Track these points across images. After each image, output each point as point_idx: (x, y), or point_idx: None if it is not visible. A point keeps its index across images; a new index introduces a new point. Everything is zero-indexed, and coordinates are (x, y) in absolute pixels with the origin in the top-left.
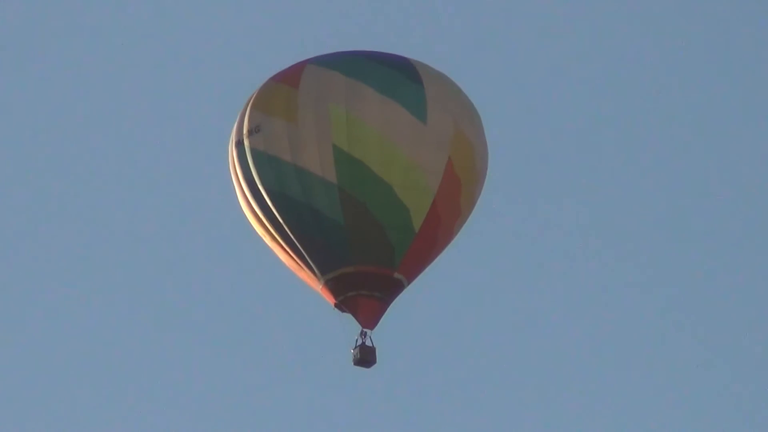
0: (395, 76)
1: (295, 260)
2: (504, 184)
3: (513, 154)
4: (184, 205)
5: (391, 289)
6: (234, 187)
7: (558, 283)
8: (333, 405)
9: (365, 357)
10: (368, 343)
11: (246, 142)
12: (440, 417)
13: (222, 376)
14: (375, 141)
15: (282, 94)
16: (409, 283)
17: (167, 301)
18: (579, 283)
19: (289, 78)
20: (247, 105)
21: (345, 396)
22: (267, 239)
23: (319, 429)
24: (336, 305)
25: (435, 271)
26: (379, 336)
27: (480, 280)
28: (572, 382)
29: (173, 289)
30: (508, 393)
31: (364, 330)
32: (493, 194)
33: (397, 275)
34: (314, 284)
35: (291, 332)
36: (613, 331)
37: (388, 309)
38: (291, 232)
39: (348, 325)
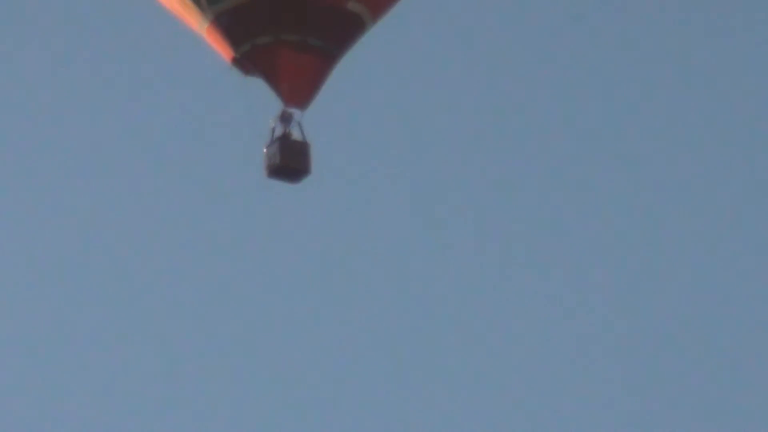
0: None
1: None
2: None
3: None
4: None
5: (340, 33)
6: None
7: None
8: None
9: (289, 161)
10: (296, 135)
11: None
12: (413, 257)
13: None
14: None
15: None
16: (374, 21)
17: None
18: None
19: None
20: None
21: (253, 225)
22: None
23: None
24: (236, 61)
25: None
26: (317, 122)
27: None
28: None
29: None
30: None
31: (288, 110)
32: None
33: (353, 5)
34: (194, 21)
35: (153, 119)
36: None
37: (334, 72)
38: None
39: (258, 100)
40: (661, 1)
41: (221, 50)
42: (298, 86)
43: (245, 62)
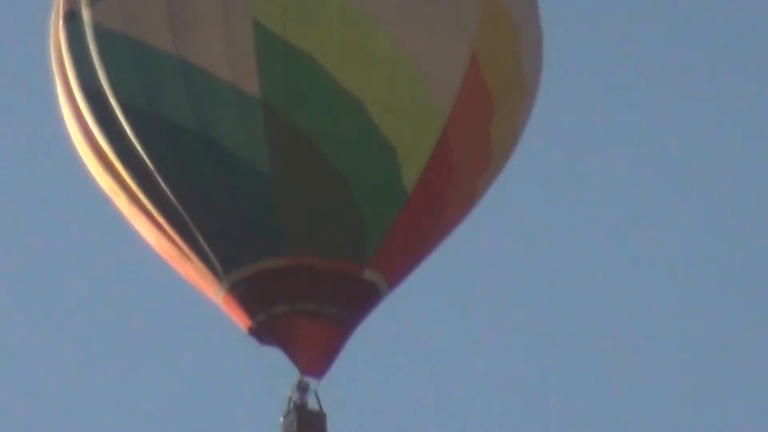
0: None
1: (174, 243)
2: (567, 100)
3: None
4: None
5: (356, 302)
6: (59, 100)
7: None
8: None
9: (307, 430)
10: (312, 404)
11: (85, 14)
12: None
13: None
14: (332, 16)
15: None
16: (390, 290)
17: None
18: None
19: None
20: None
21: None
22: (121, 200)
23: None
24: (252, 331)
25: (441, 269)
26: (335, 391)
27: (525, 286)
28: None
29: None
30: None
31: (305, 379)
32: (548, 119)
33: (369, 274)
34: (211, 290)
35: (169, 382)
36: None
37: (351, 340)
38: (169, 189)
39: (276, 370)
40: None
41: (238, 319)
42: (314, 356)
43: (262, 332)
